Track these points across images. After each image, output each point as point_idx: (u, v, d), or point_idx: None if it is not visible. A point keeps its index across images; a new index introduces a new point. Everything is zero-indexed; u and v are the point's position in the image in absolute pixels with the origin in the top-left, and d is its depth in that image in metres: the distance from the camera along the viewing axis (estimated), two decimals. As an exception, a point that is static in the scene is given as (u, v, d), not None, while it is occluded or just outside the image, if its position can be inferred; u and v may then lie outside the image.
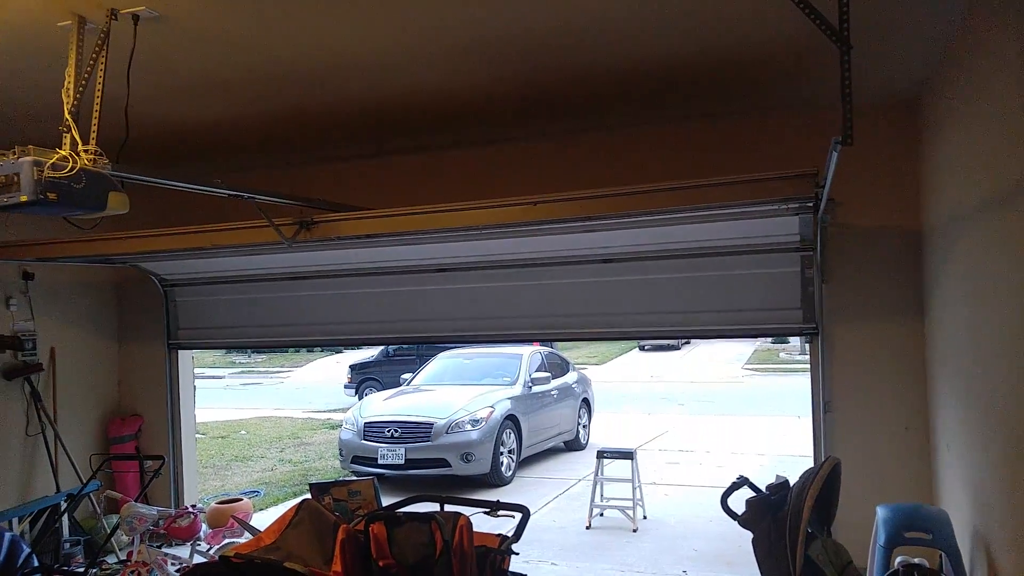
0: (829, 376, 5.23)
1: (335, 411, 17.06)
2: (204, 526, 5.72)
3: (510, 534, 3.37)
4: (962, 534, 3.90)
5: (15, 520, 5.96)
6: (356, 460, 9.76)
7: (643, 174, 5.65)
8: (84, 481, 6.40)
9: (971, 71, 3.69)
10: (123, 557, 6.00)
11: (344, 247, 5.77)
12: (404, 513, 3.08)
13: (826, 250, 5.11)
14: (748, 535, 3.63)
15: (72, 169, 3.25)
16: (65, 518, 6.27)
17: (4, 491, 6.27)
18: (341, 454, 10.06)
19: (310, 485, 5.25)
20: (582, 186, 5.67)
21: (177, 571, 5.36)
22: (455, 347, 12.61)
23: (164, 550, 5.52)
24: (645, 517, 7.78)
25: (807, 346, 5.32)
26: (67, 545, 6.24)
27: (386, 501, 4.73)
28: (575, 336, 6.14)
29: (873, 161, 5.07)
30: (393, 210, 4.92)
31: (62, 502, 6.27)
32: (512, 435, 10.09)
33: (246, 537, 5.78)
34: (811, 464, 5.23)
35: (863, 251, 5.17)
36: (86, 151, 3.42)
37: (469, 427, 9.43)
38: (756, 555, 3.54)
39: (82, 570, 5.76)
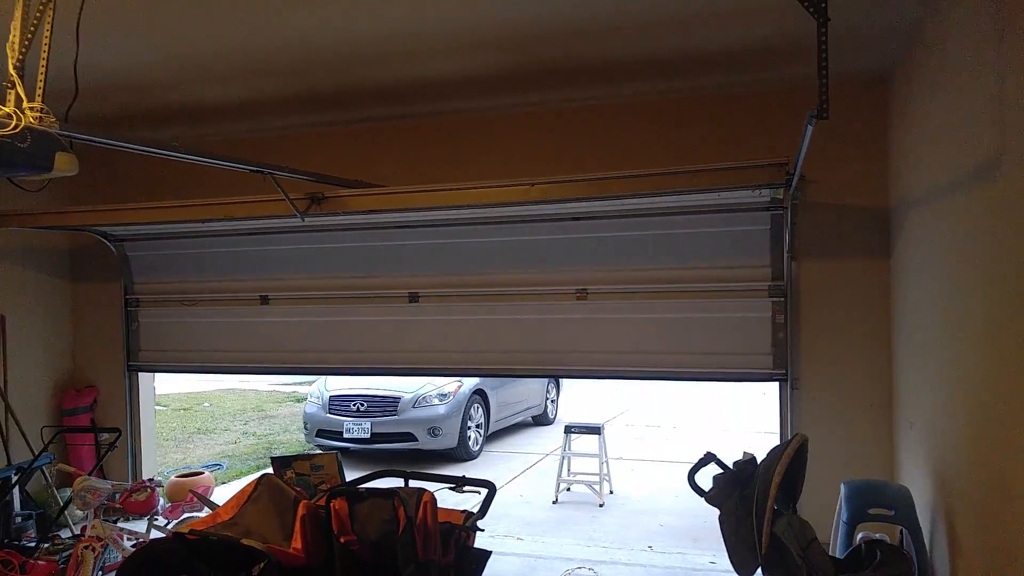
0: (797, 353, 5.24)
1: (300, 384, 16.87)
2: (162, 500, 5.58)
3: (476, 510, 3.33)
4: (923, 511, 3.95)
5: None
6: (321, 434, 9.64)
7: (626, 147, 5.61)
8: (35, 454, 6.21)
9: (943, 48, 3.66)
10: (77, 532, 5.84)
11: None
12: (366, 489, 3.00)
13: (796, 227, 5.11)
14: (713, 511, 3.62)
15: (16, 127, 3.07)
16: (16, 491, 6.09)
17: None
18: (306, 428, 9.93)
19: (272, 459, 5.14)
20: (575, 159, 5.65)
21: (133, 546, 5.23)
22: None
23: (120, 525, 5.37)
24: (612, 492, 7.81)
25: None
26: (18, 519, 6.07)
27: (350, 476, 4.65)
28: (544, 372, 6.07)
29: (843, 138, 5.06)
30: (399, 188, 5.18)
31: (12, 475, 6.09)
32: (480, 409, 10.04)
33: (206, 512, 5.67)
34: (777, 441, 5.29)
35: (832, 228, 5.18)
36: (32, 109, 3.23)
37: (436, 401, 9.36)
38: (723, 532, 3.52)
39: (33, 544, 5.61)
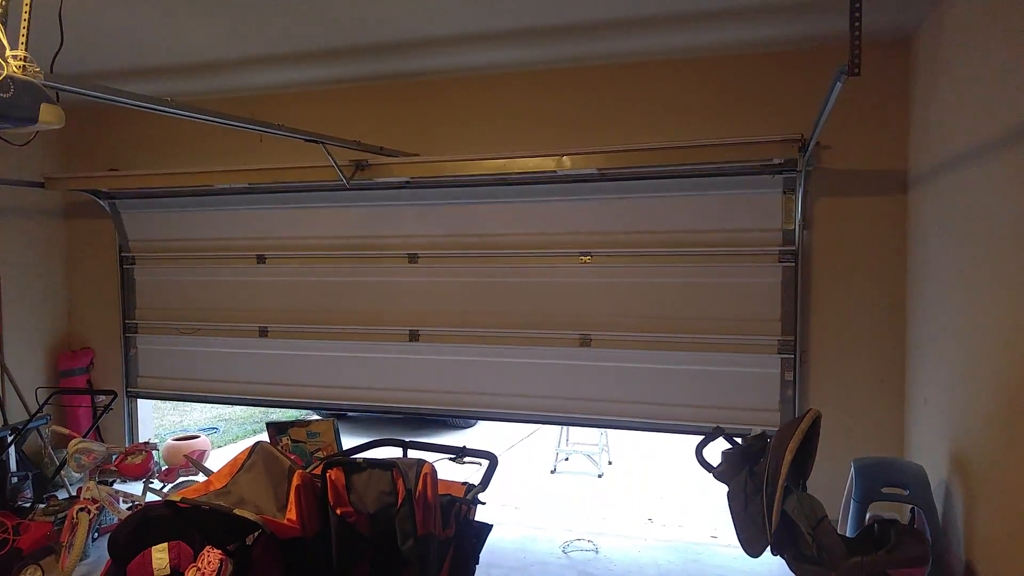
0: (806, 322, 5.11)
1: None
2: (158, 463, 5.51)
3: (477, 482, 3.23)
4: (936, 490, 3.85)
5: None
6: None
7: (637, 109, 5.42)
8: (31, 415, 6.13)
9: (971, 4, 3.48)
10: (74, 493, 5.79)
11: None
12: (364, 459, 2.90)
13: (809, 193, 4.96)
14: (713, 485, 3.53)
15: (-2, 76, 2.91)
16: (12, 451, 6.02)
17: (-54, 423, 5.99)
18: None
19: (267, 424, 5.06)
20: (590, 120, 5.49)
21: (128, 509, 5.17)
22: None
23: (116, 487, 5.30)
24: (610, 463, 7.75)
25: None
26: (14, 479, 6.01)
27: (347, 444, 4.57)
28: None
29: (862, 101, 4.88)
30: (440, 157, 5.39)
31: (7, 436, 6.01)
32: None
33: (201, 477, 5.60)
34: (779, 415, 5.19)
35: (847, 195, 5.01)
36: (15, 57, 3.06)
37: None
38: (731, 508, 3.43)
39: (29, 505, 5.56)
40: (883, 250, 4.94)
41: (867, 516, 3.76)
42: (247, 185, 6.17)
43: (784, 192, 5.06)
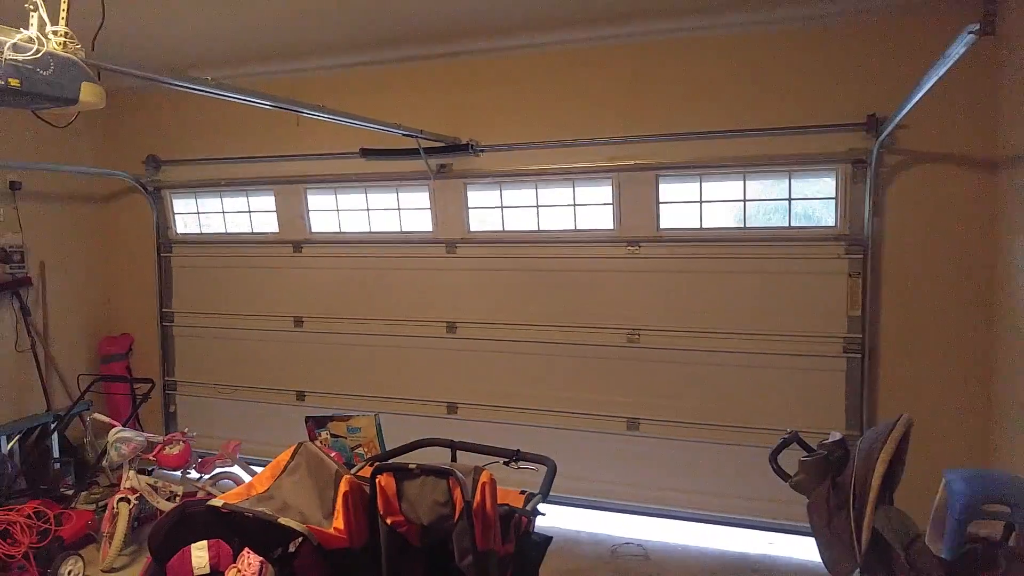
0: (877, 314, 4.80)
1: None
2: (194, 453, 5.40)
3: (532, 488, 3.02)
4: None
5: (3, 439, 5.68)
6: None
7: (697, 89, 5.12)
8: (73, 401, 6.10)
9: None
10: (114, 480, 5.73)
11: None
12: (418, 465, 2.69)
13: (879, 178, 4.64)
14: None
15: (38, 52, 2.76)
16: (55, 438, 6.00)
17: (-3, 408, 5.98)
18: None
19: (306, 419, 4.92)
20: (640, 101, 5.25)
21: (167, 500, 5.08)
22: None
23: (155, 476, 5.22)
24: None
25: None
26: (57, 465, 5.98)
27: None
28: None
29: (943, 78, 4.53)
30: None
31: (51, 422, 5.98)
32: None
33: (237, 469, 5.50)
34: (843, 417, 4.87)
35: (926, 181, 4.67)
36: (55, 33, 2.91)
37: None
38: (812, 524, 3.17)
39: (71, 492, 5.51)
40: (967, 239, 4.58)
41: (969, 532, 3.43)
42: (288, 175, 6.09)
43: (852, 175, 4.76)
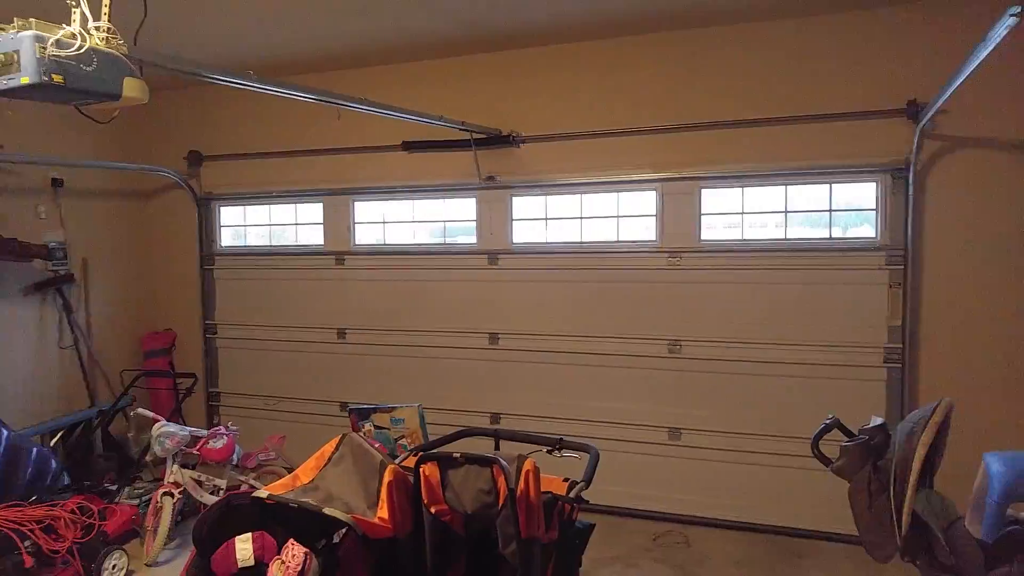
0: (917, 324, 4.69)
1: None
2: (238, 448, 5.45)
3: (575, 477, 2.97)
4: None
5: (47, 435, 5.79)
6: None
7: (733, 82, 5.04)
8: (116, 396, 6.20)
9: None
10: (158, 475, 5.81)
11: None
12: (461, 454, 2.67)
13: (919, 162, 4.54)
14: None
15: (81, 48, 2.78)
16: (99, 433, 6.09)
17: (39, 404, 6.08)
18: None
19: (349, 410, 4.92)
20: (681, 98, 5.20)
21: (211, 494, 5.13)
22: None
23: (199, 470, 5.27)
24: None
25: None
26: (101, 460, 6.07)
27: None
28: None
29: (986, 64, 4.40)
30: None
31: (94, 418, 6.08)
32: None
33: (279, 461, 5.53)
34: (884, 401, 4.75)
35: (967, 174, 4.54)
36: (98, 28, 2.93)
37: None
38: (853, 508, 3.10)
39: (115, 487, 5.59)
40: (1011, 240, 4.46)
41: (1008, 519, 3.35)
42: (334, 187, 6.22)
43: (892, 186, 4.71)
